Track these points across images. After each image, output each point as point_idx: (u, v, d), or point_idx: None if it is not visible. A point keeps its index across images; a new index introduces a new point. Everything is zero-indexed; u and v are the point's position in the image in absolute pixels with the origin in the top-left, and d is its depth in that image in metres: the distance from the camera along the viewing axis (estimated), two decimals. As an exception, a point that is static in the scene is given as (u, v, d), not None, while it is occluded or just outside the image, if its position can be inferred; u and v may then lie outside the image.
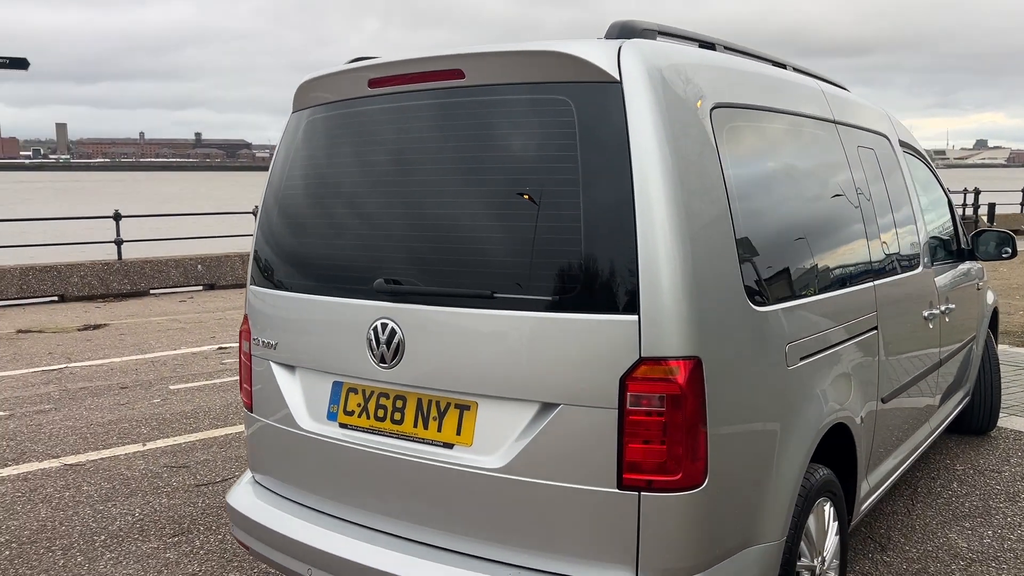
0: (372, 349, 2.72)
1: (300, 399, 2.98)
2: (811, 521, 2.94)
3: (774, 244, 2.76)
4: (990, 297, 5.62)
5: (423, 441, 2.65)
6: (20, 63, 11.25)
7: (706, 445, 2.36)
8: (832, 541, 3.12)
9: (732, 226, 2.54)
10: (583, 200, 2.39)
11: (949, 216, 5.17)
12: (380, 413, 2.76)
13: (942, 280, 4.47)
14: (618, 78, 2.41)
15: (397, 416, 2.72)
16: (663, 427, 2.31)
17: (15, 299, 13.18)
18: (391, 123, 2.79)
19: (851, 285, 3.25)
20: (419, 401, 2.68)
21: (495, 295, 2.49)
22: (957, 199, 25.29)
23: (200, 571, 3.90)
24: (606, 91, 2.41)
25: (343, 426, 2.85)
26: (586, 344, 2.37)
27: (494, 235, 2.53)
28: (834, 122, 3.50)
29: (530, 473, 2.45)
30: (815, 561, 2.97)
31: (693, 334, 2.33)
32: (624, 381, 2.33)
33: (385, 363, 2.69)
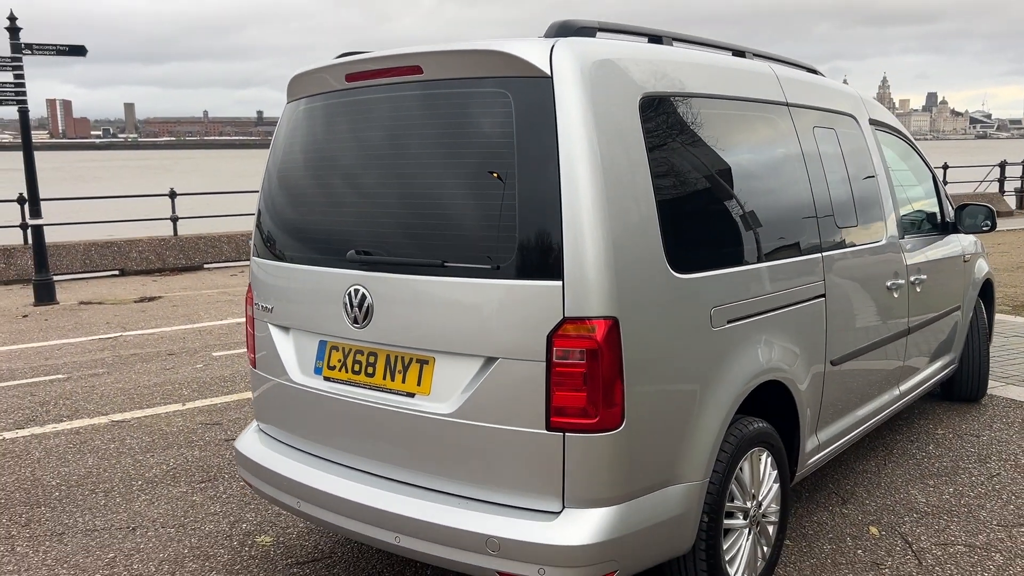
0: (347, 311, 3.13)
1: (293, 356, 3.41)
2: (745, 467, 3.27)
3: (701, 219, 3.08)
4: (981, 269, 5.79)
5: (390, 391, 3.06)
6: (79, 50, 11.88)
7: (623, 393, 2.71)
8: (771, 488, 3.44)
9: (655, 204, 2.86)
10: (518, 181, 2.74)
11: (933, 191, 5.36)
12: (356, 367, 3.17)
13: (914, 252, 4.70)
14: (549, 73, 2.75)
15: (370, 370, 3.13)
16: (584, 377, 2.67)
17: (79, 273, 14.00)
18: (364, 113, 3.18)
19: (792, 256, 3.53)
20: (388, 357, 3.08)
21: (445, 264, 2.87)
22: (1013, 171, 24.79)
23: (221, 512, 4.39)
24: (539, 85, 2.76)
25: (327, 379, 3.27)
26: (520, 306, 2.74)
27: (446, 211, 2.91)
28: (787, 104, 3.77)
29: (475, 417, 2.83)
30: (748, 503, 3.30)
31: (611, 297, 2.68)
32: (551, 338, 2.69)
33: (358, 324, 3.10)
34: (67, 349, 8.46)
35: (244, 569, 3.77)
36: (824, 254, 3.76)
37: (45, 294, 11.48)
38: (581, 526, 2.70)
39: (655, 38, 3.36)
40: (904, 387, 4.78)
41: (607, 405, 2.69)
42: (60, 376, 7.31)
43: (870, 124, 4.59)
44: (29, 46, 11.42)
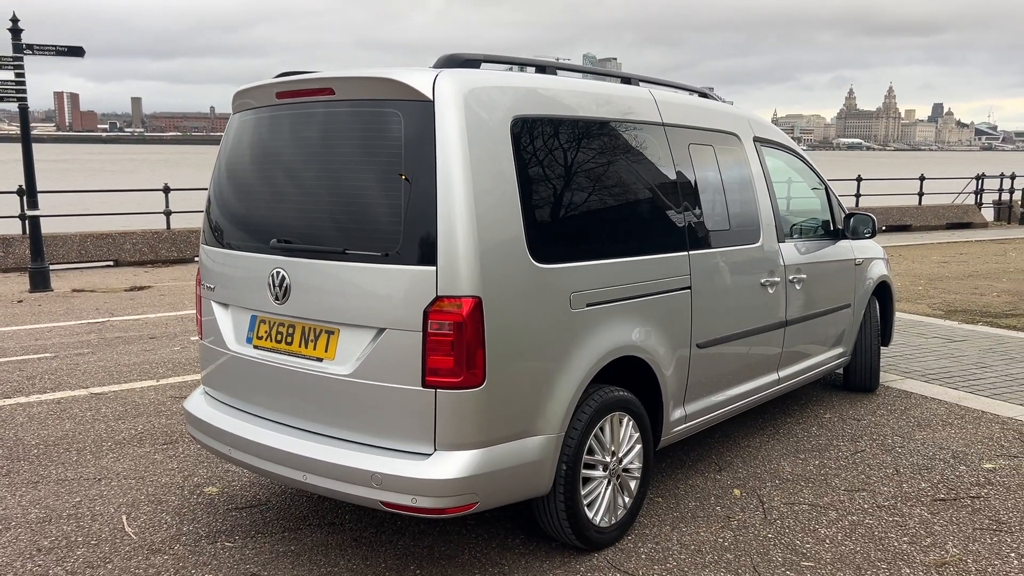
0: (271, 290, 3.77)
1: (230, 328, 4.05)
2: (606, 428, 3.91)
3: (563, 220, 3.70)
4: (876, 272, 6.40)
5: (304, 357, 3.69)
6: (77, 51, 12.54)
7: (484, 358, 3.35)
8: (633, 448, 4.08)
9: (520, 208, 3.49)
10: (403, 187, 3.38)
11: (826, 201, 5.99)
12: (278, 337, 3.81)
13: (795, 254, 5.33)
14: (432, 98, 3.38)
15: (289, 339, 3.77)
16: (452, 344, 3.31)
17: (75, 263, 14.68)
18: (289, 125, 3.82)
19: (656, 253, 4.15)
20: (303, 328, 3.72)
21: (346, 252, 3.51)
22: (993, 183, 25.43)
23: (177, 467, 5.03)
24: (424, 108, 3.40)
25: (256, 347, 3.90)
26: (403, 286, 3.37)
27: (347, 208, 3.55)
28: (662, 124, 4.41)
29: (367, 377, 3.47)
30: (608, 458, 3.94)
31: (475, 280, 3.32)
32: (426, 312, 3.33)
33: (279, 300, 3.74)
34: (57, 331, 9.11)
35: (190, 511, 4.41)
36: (691, 253, 4.39)
37: (40, 281, 12.13)
38: (447, 465, 3.34)
39: (541, 68, 4.00)
40: (784, 373, 5.40)
41: (470, 367, 3.33)
42: (48, 355, 7.96)
43: (754, 142, 5.22)
44: (30, 46, 12.08)
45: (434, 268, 3.32)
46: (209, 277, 4.18)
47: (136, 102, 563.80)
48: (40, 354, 7.99)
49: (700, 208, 4.51)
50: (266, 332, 3.87)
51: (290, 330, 3.76)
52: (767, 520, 4.28)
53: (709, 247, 4.54)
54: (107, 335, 8.89)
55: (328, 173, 3.63)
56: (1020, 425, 5.74)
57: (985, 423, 5.79)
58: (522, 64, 3.95)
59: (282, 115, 3.86)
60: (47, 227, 13.34)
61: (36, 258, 12.21)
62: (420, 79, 3.42)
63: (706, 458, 5.15)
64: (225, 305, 4.10)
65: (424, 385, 3.36)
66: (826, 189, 6.02)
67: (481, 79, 3.54)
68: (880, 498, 4.55)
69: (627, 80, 4.52)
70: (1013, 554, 3.92)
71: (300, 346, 3.72)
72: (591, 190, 3.88)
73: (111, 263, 14.98)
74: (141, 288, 12.25)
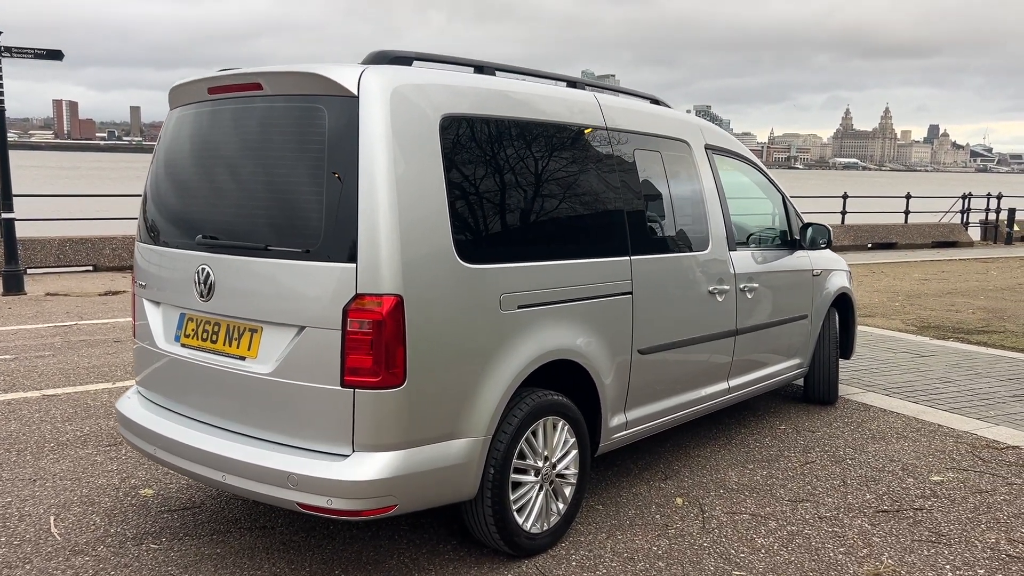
0: (196, 287, 3.71)
1: (160, 326, 3.99)
2: (539, 432, 3.84)
3: (493, 220, 3.65)
4: (835, 283, 6.36)
5: (228, 355, 3.63)
6: (55, 54, 12.52)
7: (404, 358, 3.29)
8: (568, 453, 4.01)
9: (447, 206, 3.45)
10: (326, 182, 3.34)
11: (783, 212, 5.95)
12: (204, 335, 3.75)
13: (747, 263, 5.28)
14: (356, 94, 3.34)
15: (214, 337, 3.71)
16: (371, 343, 3.26)
17: (53, 267, 14.57)
18: (220, 121, 3.77)
19: (594, 257, 4.10)
20: (228, 326, 3.66)
21: (268, 248, 3.46)
22: (980, 203, 25.48)
23: (115, 469, 4.95)
24: (348, 104, 3.35)
25: (184, 346, 3.85)
26: (324, 284, 3.32)
27: (270, 204, 3.50)
28: (607, 129, 4.37)
29: (286, 376, 3.41)
30: (540, 463, 3.87)
31: (396, 278, 3.27)
32: (346, 310, 3.28)
33: (204, 298, 3.69)
34: (22, 334, 9.03)
35: (121, 513, 4.34)
36: (633, 257, 4.34)
37: (14, 284, 12.04)
38: (364, 466, 3.28)
39: (479, 69, 3.96)
40: (736, 382, 5.34)
41: (390, 367, 3.27)
42: (7, 357, 7.87)
43: (706, 149, 5.18)
44: (8, 49, 12.05)
45: (354, 265, 3.26)
46: (142, 275, 4.13)
47: (135, 111, 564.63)
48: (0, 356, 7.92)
49: (645, 213, 4.47)
50: (193, 330, 3.81)
51: (215, 328, 3.71)
52: (705, 529, 4.22)
53: (653, 253, 4.49)
54: (72, 338, 8.82)
55: (254, 169, 3.58)
56: (974, 439, 5.69)
57: (940, 436, 5.74)
58: (459, 64, 3.92)
59: (214, 111, 3.82)
60: (27, 231, 13.25)
61: (10, 261, 12.12)
62: (345, 75, 3.38)
63: (653, 466, 5.09)
64: (156, 303, 4.04)
65: (343, 385, 3.30)
66: (783, 199, 5.99)
67: (409, 76, 3.50)
68: (823, 509, 4.49)
69: (573, 84, 4.49)
70: (948, 566, 3.87)
71: (225, 344, 3.66)
72: (525, 191, 3.83)
73: (90, 268, 14.87)
74: (116, 293, 12.16)
